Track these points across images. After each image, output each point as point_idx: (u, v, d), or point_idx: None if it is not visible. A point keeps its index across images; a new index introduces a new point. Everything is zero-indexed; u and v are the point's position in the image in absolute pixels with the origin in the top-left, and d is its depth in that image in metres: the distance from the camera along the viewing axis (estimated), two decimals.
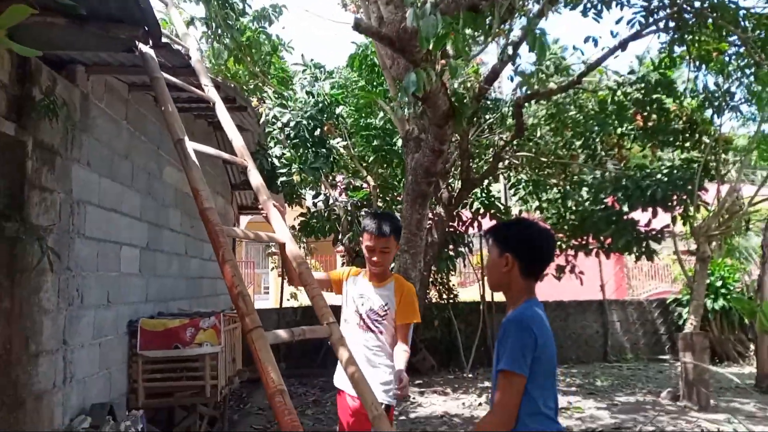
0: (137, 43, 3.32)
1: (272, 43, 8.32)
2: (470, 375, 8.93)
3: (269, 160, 6.56)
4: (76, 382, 4.01)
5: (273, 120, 6.18)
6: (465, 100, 4.85)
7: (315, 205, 8.68)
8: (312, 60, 7.22)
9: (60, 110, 3.48)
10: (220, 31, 7.51)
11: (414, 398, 7.37)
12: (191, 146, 3.10)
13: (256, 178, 3.45)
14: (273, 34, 8.45)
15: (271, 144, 6.40)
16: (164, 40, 3.63)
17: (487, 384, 8.29)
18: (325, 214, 8.51)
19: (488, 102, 8.79)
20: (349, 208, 8.28)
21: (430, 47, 3.37)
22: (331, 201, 8.42)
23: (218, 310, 5.71)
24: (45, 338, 3.59)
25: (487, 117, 8.70)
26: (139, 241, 5.26)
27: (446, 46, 4.73)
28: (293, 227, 9.95)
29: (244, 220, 11.85)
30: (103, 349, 4.47)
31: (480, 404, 6.96)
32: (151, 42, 3.25)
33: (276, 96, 6.43)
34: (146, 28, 3.19)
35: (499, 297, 10.13)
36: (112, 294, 4.63)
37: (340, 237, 8.21)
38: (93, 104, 4.31)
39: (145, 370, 4.92)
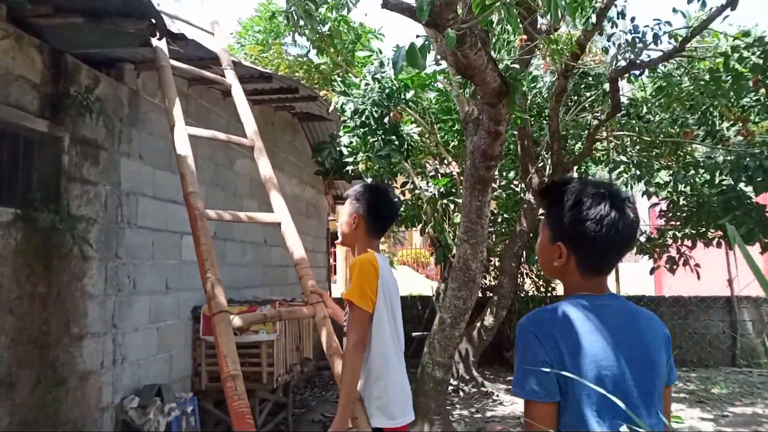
0: (152, 37, 3.38)
1: (355, 31, 8.27)
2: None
3: (337, 149, 6.53)
4: (129, 364, 4.25)
5: (342, 109, 6.12)
6: (519, 77, 4.42)
7: (402, 193, 8.54)
8: (379, 47, 7.08)
9: (94, 106, 3.66)
10: (301, 22, 7.59)
11: (497, 396, 7.00)
12: (186, 131, 3.12)
13: (262, 162, 3.49)
14: (356, 22, 8.40)
15: (341, 133, 6.35)
16: (184, 31, 3.69)
17: None
18: (411, 203, 8.33)
19: (590, 78, 8.06)
20: (435, 196, 8.03)
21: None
22: (417, 189, 8.23)
23: (281, 299, 5.80)
24: (90, 321, 3.83)
25: (588, 94, 7.99)
26: None
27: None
28: None
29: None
30: (162, 333, 4.70)
31: None
32: (158, 33, 3.30)
33: (342, 84, 6.35)
34: (152, 21, 3.23)
35: None
36: (172, 281, 4.85)
37: (423, 226, 8.01)
38: (144, 100, 4.52)
39: (208, 355, 5.13)
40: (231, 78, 4.02)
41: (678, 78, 7.36)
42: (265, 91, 5.95)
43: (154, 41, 3.41)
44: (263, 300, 5.77)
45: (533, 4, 6.54)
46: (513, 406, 6.50)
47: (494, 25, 5.54)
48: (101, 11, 3.24)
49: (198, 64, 3.99)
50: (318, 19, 7.62)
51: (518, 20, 6.14)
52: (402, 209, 8.36)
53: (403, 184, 8.53)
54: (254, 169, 6.54)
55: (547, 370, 1.26)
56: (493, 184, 9.18)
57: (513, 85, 4.47)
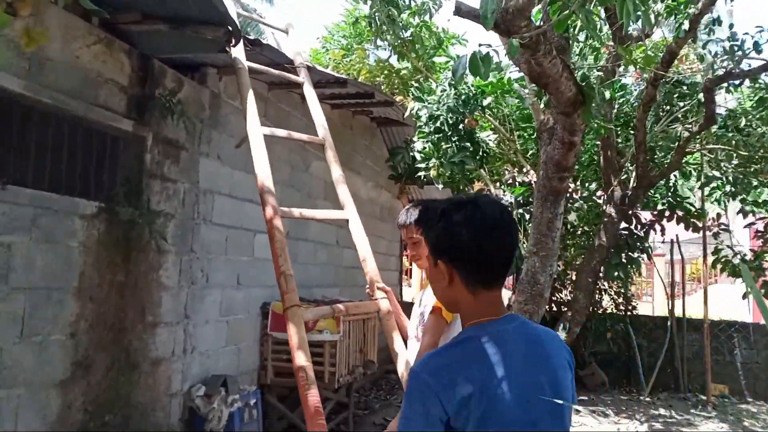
0: (229, 44, 3.54)
1: (437, 37, 8.26)
2: (648, 398, 7.87)
3: (411, 154, 6.54)
4: (199, 354, 4.46)
5: (417, 114, 6.13)
6: (595, 86, 4.24)
7: None
8: (457, 54, 7.00)
9: (176, 108, 3.87)
10: (384, 28, 7.67)
11: None
12: (261, 131, 3.26)
13: (330, 157, 3.56)
14: (439, 28, 8.38)
15: (415, 138, 6.36)
16: (263, 38, 3.83)
17: (662, 411, 7.23)
18: None
19: (684, 86, 7.62)
20: (512, 205, 7.86)
21: (528, 23, 3.01)
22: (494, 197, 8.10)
23: (348, 300, 5.87)
24: (164, 311, 4.05)
25: (681, 104, 7.54)
26: None
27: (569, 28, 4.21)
28: None
29: None
30: (232, 327, 4.90)
31: None
32: (234, 40, 3.44)
33: (416, 90, 6.36)
34: (229, 28, 3.38)
35: (692, 312, 8.75)
36: (243, 277, 5.04)
37: None
38: (225, 102, 4.73)
39: (274, 350, 5.29)
40: (303, 76, 4.15)
41: None
42: (342, 95, 6.06)
43: (236, 49, 3.57)
44: (331, 300, 5.87)
45: None
46: (580, 428, 6.24)
47: (576, 32, 5.37)
48: (183, 19, 3.42)
49: (275, 68, 4.13)
50: (400, 24, 7.68)
51: (599, 27, 5.91)
52: None
53: (479, 192, 8.43)
54: (329, 171, 6.69)
55: None
56: (575, 195, 8.89)
57: (589, 94, 4.30)
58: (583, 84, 4.31)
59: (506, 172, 8.55)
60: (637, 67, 6.08)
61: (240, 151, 4.95)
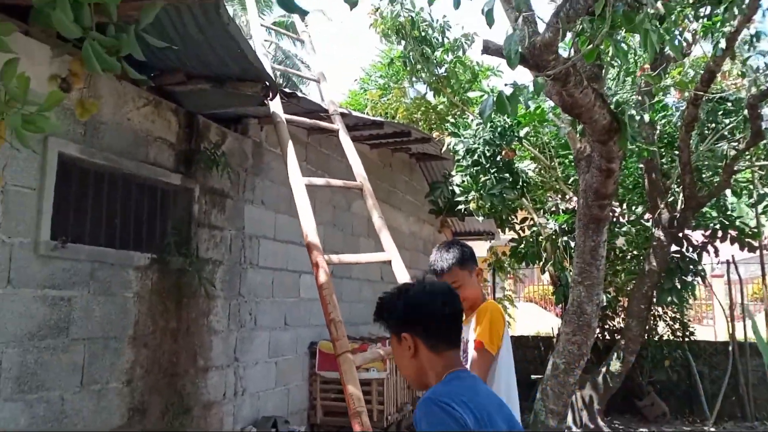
0: (266, 98, 3.73)
1: (471, 70, 8.37)
2: (713, 429, 7.50)
3: (449, 188, 6.59)
4: (249, 396, 4.57)
5: (454, 149, 6.21)
6: (629, 113, 4.21)
7: (523, 230, 8.38)
8: (492, 87, 7.07)
9: (219, 160, 4.08)
10: (418, 66, 7.84)
11: None
12: (303, 182, 3.39)
13: (370, 204, 3.68)
14: (473, 62, 8.50)
15: (453, 172, 6.43)
16: (298, 93, 4.01)
17: None
18: (532, 240, 8.13)
19: (728, 103, 7.46)
20: (557, 232, 7.78)
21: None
22: (536, 226, 8.04)
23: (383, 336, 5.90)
24: (214, 355, 4.19)
25: (727, 121, 7.38)
26: None
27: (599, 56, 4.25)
28: (504, 253, 9.73)
29: None
30: (280, 367, 5.00)
31: None
32: (270, 94, 3.63)
33: (452, 125, 6.45)
34: (266, 84, 3.57)
35: (753, 336, 8.35)
36: (290, 317, 5.16)
37: (543, 264, 7.76)
38: (266, 150, 4.93)
39: (323, 390, 5.35)
40: (338, 123, 4.31)
41: None
42: (380, 135, 6.21)
43: (273, 103, 3.76)
44: (377, 337, 5.92)
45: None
46: None
47: (610, 58, 5.37)
48: (224, 77, 3.64)
49: (311, 116, 4.31)
50: (434, 62, 7.84)
51: (635, 50, 5.89)
52: (522, 246, 8.19)
53: (523, 220, 8.38)
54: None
55: None
56: (621, 219, 8.72)
57: (624, 121, 4.29)
58: (618, 111, 4.31)
59: (549, 200, 8.48)
60: (675, 88, 6.00)
61: (283, 196, 5.14)
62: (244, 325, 4.54)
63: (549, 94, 4.44)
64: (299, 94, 4.04)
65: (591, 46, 3.55)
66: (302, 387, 5.31)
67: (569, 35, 4.18)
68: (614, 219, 8.52)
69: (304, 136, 5.51)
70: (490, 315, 2.49)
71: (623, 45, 3.89)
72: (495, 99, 3.07)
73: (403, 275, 3.58)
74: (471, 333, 2.65)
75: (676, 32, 5.09)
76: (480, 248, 13.73)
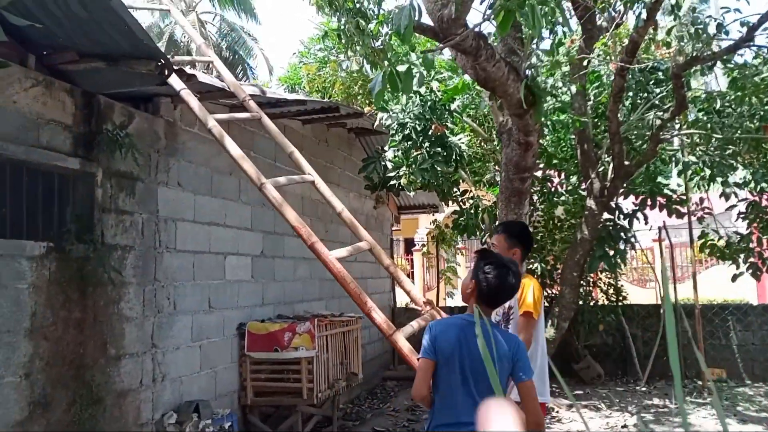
0: (162, 76, 3.58)
1: (410, 45, 8.25)
2: (644, 388, 7.80)
3: (382, 163, 6.55)
4: (170, 381, 4.49)
5: (385, 123, 6.14)
6: (543, 86, 4.22)
7: (464, 203, 8.42)
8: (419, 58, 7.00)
9: (123, 142, 3.91)
10: (354, 39, 7.66)
11: (557, 411, 6.70)
12: (271, 185, 3.40)
13: (326, 194, 4.32)
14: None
15: (386, 147, 6.37)
16: (192, 69, 3.87)
17: (657, 401, 7.17)
18: (472, 212, 8.18)
19: (659, 73, 7.57)
20: (495, 204, 7.85)
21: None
22: (475, 199, 8.09)
23: (322, 314, 5.90)
24: (127, 343, 4.09)
25: (657, 90, 7.50)
26: (251, 249, 5.66)
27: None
28: (447, 225, 9.79)
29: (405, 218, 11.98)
30: (206, 351, 4.93)
31: (625, 426, 6.03)
32: (167, 71, 3.47)
33: (381, 99, 6.37)
34: (161, 62, 3.41)
35: (683, 299, 8.66)
36: (215, 300, 5.07)
37: (482, 235, 7.84)
38: (182, 130, 4.76)
39: (253, 371, 5.32)
40: (255, 109, 4.19)
41: (756, 68, 6.74)
42: (308, 111, 6.08)
43: (173, 80, 3.61)
44: (312, 315, 5.90)
45: (588, 1, 6.25)
46: (571, 424, 6.21)
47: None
48: (117, 55, 3.46)
49: (214, 95, 4.16)
50: (369, 34, 7.68)
51: (544, 23, 5.91)
52: (462, 218, 8.24)
53: (464, 193, 8.42)
54: (306, 186, 6.72)
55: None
56: (560, 189, 8.85)
57: (539, 95, 4.29)
58: (533, 84, 4.31)
59: (489, 172, 8.53)
60: (607, 58, 6.03)
61: (204, 177, 5.00)
62: (162, 311, 4.43)
63: (465, 69, 4.40)
64: (198, 74, 3.89)
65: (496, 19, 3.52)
66: (231, 369, 5.26)
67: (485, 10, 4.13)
68: (553, 189, 8.64)
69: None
70: (533, 287, 3.17)
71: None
72: (387, 76, 3.01)
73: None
74: (514, 300, 3.16)
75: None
76: (425, 221, 13.80)
